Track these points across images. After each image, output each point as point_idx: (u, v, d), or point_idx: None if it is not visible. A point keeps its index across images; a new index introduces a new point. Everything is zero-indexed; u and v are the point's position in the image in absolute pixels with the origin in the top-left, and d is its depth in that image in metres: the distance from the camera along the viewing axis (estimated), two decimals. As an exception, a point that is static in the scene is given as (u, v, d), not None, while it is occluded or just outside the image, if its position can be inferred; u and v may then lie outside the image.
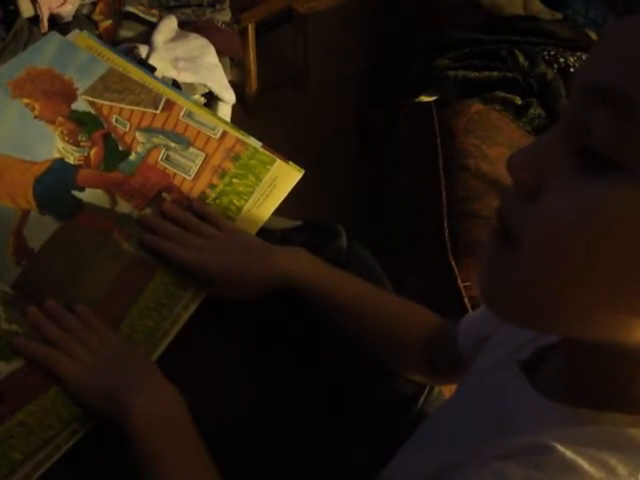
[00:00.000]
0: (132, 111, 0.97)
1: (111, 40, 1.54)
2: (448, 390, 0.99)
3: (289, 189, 0.98)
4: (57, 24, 1.52)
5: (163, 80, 1.11)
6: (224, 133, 0.98)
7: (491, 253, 0.50)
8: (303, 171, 1.00)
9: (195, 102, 1.04)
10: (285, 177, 0.98)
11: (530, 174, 0.46)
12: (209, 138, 0.98)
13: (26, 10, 1.47)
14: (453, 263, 1.47)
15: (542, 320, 0.49)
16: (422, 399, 0.92)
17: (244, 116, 2.42)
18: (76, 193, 0.91)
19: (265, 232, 0.96)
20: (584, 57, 1.94)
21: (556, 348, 0.59)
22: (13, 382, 0.77)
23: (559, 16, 2.13)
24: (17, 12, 1.47)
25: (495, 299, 0.51)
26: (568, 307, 0.46)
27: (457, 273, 1.44)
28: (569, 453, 0.45)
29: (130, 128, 0.96)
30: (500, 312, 0.52)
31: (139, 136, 0.95)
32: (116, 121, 0.96)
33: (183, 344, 0.85)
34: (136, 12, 1.61)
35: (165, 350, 0.85)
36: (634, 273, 0.42)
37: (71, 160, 0.93)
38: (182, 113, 0.98)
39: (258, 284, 0.88)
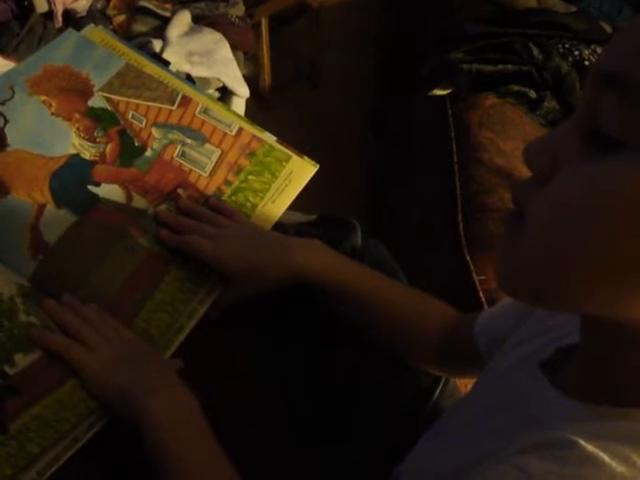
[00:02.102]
0: (148, 107, 0.97)
1: (125, 35, 1.55)
2: (463, 385, 0.99)
3: (304, 184, 0.98)
4: (71, 19, 1.53)
5: (178, 74, 1.11)
6: (240, 130, 0.98)
7: (504, 237, 0.51)
8: (318, 166, 1.00)
9: (210, 97, 1.04)
10: (300, 172, 0.98)
11: (544, 159, 0.47)
12: (225, 134, 0.98)
13: (40, 5, 1.47)
14: (468, 257, 1.47)
15: (552, 298, 0.49)
16: (437, 393, 0.92)
17: (258, 110, 2.43)
18: (92, 188, 0.91)
19: (279, 226, 0.96)
20: (599, 50, 1.93)
21: (576, 348, 0.59)
22: (30, 375, 0.77)
23: (573, 9, 2.13)
24: (31, 8, 1.48)
25: (507, 281, 0.52)
26: (577, 284, 0.46)
27: (472, 267, 1.44)
28: (590, 447, 0.45)
29: (146, 124, 0.96)
30: (513, 293, 0.53)
31: (155, 132, 0.96)
32: (132, 117, 0.96)
33: (199, 343, 0.86)
34: (150, 7, 1.61)
35: (181, 349, 0.85)
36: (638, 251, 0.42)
37: (87, 156, 0.93)
38: (198, 109, 0.98)
39: (275, 277, 0.88)
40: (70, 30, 1.03)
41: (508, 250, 0.50)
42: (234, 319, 0.90)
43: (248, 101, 1.64)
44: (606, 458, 0.44)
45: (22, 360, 0.78)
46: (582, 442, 0.46)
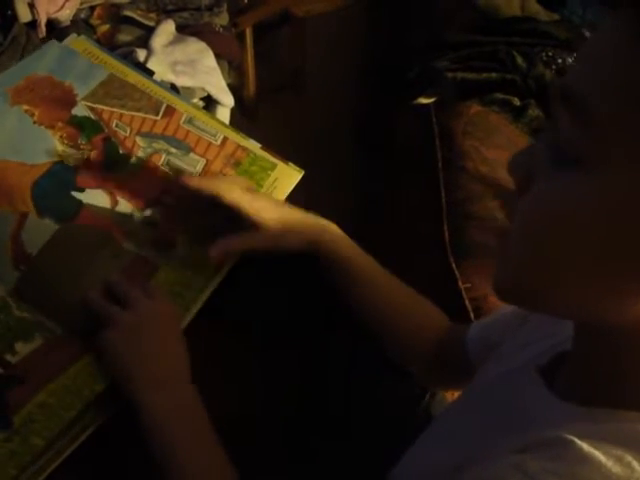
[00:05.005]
0: (132, 116, 0.97)
1: (109, 44, 1.53)
2: (449, 394, 0.99)
3: (289, 190, 0.98)
4: (55, 29, 1.52)
5: (162, 84, 1.11)
6: (225, 139, 0.98)
7: (497, 253, 0.54)
8: (303, 172, 1.00)
9: (196, 106, 1.04)
10: (285, 178, 0.98)
11: (521, 171, 0.50)
12: (210, 144, 0.98)
13: (24, 15, 1.46)
14: (453, 265, 1.47)
15: (540, 302, 0.52)
16: (427, 398, 0.93)
17: (243, 119, 2.42)
18: (76, 194, 0.91)
19: None
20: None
21: (571, 353, 0.60)
22: (33, 361, 0.78)
23: (556, 17, 2.13)
24: (15, 17, 1.47)
25: (499, 287, 0.54)
26: (557, 288, 0.49)
27: (457, 275, 1.44)
28: (586, 446, 0.46)
29: (130, 133, 0.96)
30: (505, 299, 0.55)
31: (140, 141, 0.96)
32: (116, 126, 0.96)
33: (193, 346, 0.85)
34: (134, 16, 1.60)
35: None
36: (601, 258, 0.45)
37: (71, 162, 0.93)
38: (183, 119, 0.98)
39: (299, 237, 0.91)
40: (52, 41, 1.02)
41: (499, 261, 0.53)
42: (230, 321, 0.90)
43: (233, 110, 1.63)
44: (602, 458, 0.45)
45: (23, 348, 0.79)
46: (578, 441, 0.46)
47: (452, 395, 0.98)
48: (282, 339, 0.93)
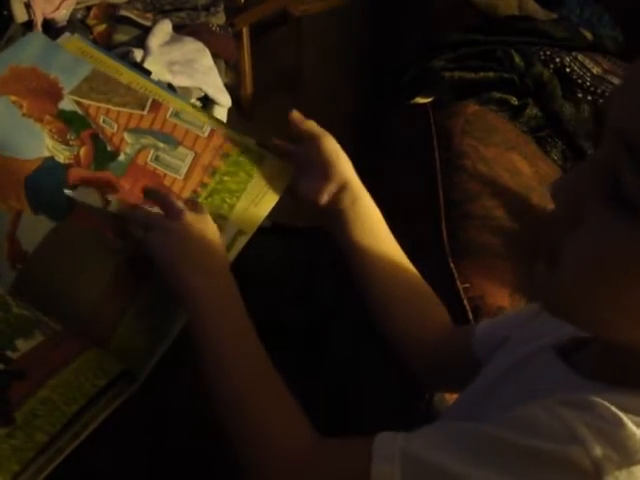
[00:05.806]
0: (119, 112, 0.96)
1: (106, 44, 1.53)
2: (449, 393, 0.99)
3: (285, 186, 0.98)
4: (51, 29, 1.52)
5: (159, 82, 1.11)
6: (212, 131, 0.98)
7: (537, 268, 0.57)
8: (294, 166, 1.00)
9: (184, 100, 1.04)
10: (279, 174, 0.98)
11: (571, 205, 0.51)
12: (197, 137, 0.97)
13: (20, 15, 1.46)
14: (452, 265, 1.46)
15: (579, 321, 0.57)
16: (427, 398, 0.93)
17: (240, 119, 2.42)
18: (68, 192, 0.90)
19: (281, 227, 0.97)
20: (580, 57, 1.94)
21: (595, 340, 0.63)
22: (34, 357, 0.78)
23: (554, 16, 2.14)
24: (11, 17, 1.47)
25: (549, 308, 0.59)
26: (602, 316, 0.52)
27: (456, 275, 1.44)
28: (613, 408, 0.50)
29: (118, 129, 0.95)
30: (556, 315, 0.59)
31: (127, 137, 0.95)
32: (103, 122, 0.95)
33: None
34: (131, 16, 1.60)
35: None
36: None
37: (61, 159, 0.92)
38: (169, 113, 0.98)
39: (337, 177, 0.97)
40: (35, 32, 1.02)
41: (546, 284, 0.56)
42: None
43: (230, 110, 1.63)
44: (624, 418, 0.49)
45: (23, 345, 0.78)
46: (605, 403, 0.51)
47: (451, 395, 0.98)
48: (282, 337, 0.93)
